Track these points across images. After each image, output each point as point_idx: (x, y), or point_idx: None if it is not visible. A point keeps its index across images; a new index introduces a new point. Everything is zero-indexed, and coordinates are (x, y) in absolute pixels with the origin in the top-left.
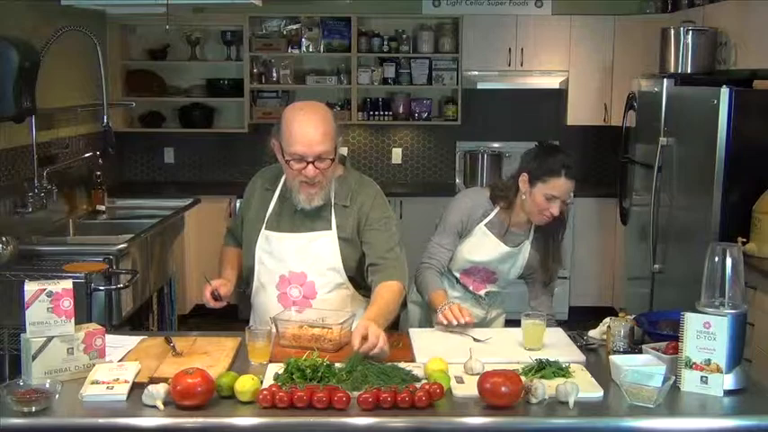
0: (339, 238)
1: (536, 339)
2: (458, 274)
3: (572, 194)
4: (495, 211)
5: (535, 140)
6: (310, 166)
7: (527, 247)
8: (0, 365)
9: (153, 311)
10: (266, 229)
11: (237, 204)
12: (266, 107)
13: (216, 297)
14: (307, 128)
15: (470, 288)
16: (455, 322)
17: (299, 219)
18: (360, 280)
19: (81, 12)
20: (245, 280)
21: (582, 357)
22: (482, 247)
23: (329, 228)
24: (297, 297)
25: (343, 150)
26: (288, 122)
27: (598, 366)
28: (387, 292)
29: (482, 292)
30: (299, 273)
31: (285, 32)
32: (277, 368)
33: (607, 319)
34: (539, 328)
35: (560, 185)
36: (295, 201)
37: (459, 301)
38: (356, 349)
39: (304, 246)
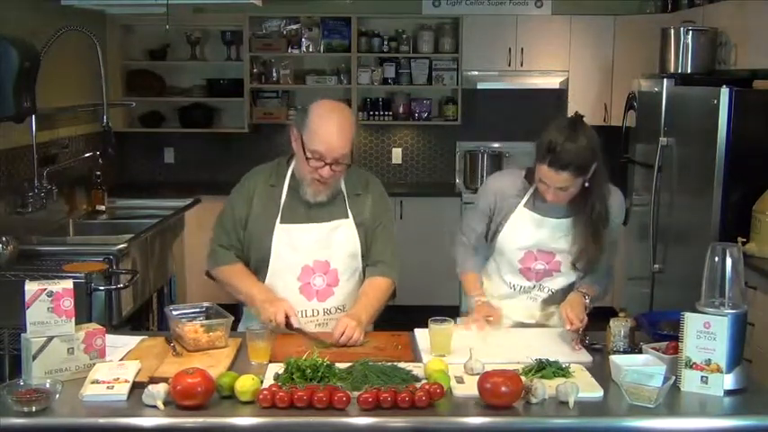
0: (356, 224)
1: (443, 346)
2: (519, 266)
3: (594, 186)
4: (533, 188)
5: (535, 141)
6: (327, 168)
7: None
8: (0, 365)
9: (153, 311)
10: (283, 222)
11: None
12: (266, 107)
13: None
14: (333, 130)
15: (533, 280)
16: (473, 332)
17: (313, 210)
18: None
19: (81, 12)
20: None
21: (588, 358)
22: (528, 223)
23: (346, 216)
24: (320, 286)
25: None
26: (316, 119)
27: (598, 366)
28: (374, 289)
29: (547, 284)
30: (323, 261)
31: (285, 32)
32: (277, 368)
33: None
34: (446, 333)
35: (544, 172)
36: (302, 191)
37: (510, 299)
38: (336, 341)
39: (326, 234)
